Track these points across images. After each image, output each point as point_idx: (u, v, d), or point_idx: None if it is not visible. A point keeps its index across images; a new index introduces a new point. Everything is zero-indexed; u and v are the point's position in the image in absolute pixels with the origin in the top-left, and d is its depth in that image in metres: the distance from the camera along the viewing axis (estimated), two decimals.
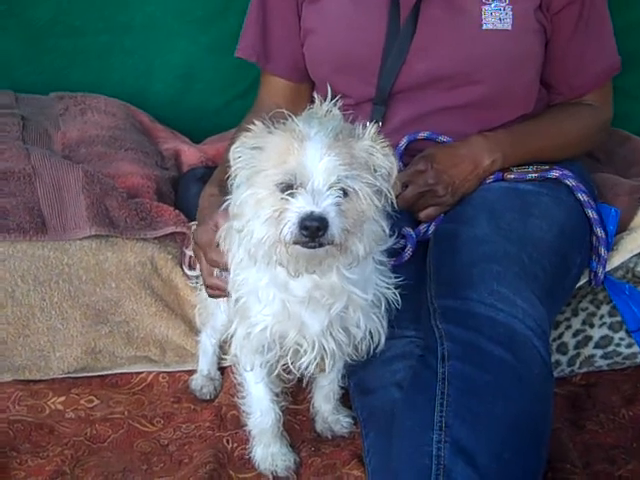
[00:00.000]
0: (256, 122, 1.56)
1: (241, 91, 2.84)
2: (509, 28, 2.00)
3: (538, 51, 2.07)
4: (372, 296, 1.69)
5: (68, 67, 2.85)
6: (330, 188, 1.48)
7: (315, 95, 1.62)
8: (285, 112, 1.57)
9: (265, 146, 1.53)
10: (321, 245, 1.48)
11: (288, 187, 1.48)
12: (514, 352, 1.66)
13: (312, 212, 1.45)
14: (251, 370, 1.80)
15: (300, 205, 1.46)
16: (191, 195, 2.25)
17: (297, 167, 1.48)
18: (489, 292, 1.73)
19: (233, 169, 1.57)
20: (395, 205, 1.61)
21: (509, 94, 2.07)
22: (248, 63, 2.26)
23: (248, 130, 1.57)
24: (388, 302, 1.72)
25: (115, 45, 2.85)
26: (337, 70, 2.10)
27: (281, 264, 1.55)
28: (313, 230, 1.45)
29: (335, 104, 1.59)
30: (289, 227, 1.47)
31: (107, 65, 2.87)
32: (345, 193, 1.49)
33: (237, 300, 1.70)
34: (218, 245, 1.73)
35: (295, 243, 1.48)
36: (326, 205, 1.46)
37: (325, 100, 1.60)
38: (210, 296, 1.87)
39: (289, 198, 1.47)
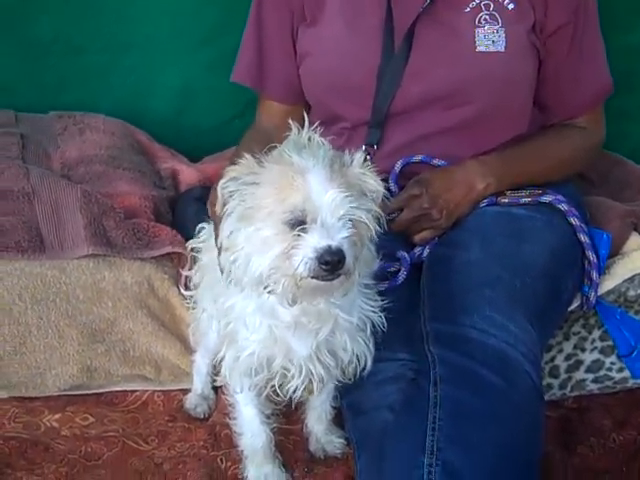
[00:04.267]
0: (246, 155, 1.56)
1: (239, 110, 2.85)
2: (502, 50, 2.02)
3: (531, 73, 2.10)
4: (357, 319, 1.71)
5: (68, 85, 2.86)
6: (340, 220, 1.50)
7: (290, 122, 1.62)
8: (277, 146, 1.58)
9: (261, 181, 1.54)
10: (338, 277, 1.50)
11: (297, 223, 1.49)
12: (506, 377, 1.68)
13: (330, 246, 1.47)
14: (241, 392, 1.82)
15: (316, 240, 1.48)
16: (188, 215, 2.26)
17: (304, 202, 1.49)
18: (482, 317, 1.75)
19: (224, 203, 1.57)
20: (386, 227, 1.63)
21: (503, 115, 2.09)
22: None
23: (240, 158, 1.57)
24: (374, 325, 1.73)
25: (115, 64, 2.86)
26: (333, 93, 2.13)
27: (277, 294, 1.56)
28: (334, 264, 1.47)
29: (315, 131, 1.60)
30: (306, 262, 1.48)
31: (107, 83, 2.88)
32: (352, 223, 1.52)
33: (226, 325, 1.72)
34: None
35: (313, 277, 1.49)
36: (341, 238, 1.48)
37: (302, 127, 1.61)
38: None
39: (301, 234, 1.48)
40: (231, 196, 1.56)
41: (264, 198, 1.52)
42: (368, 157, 1.62)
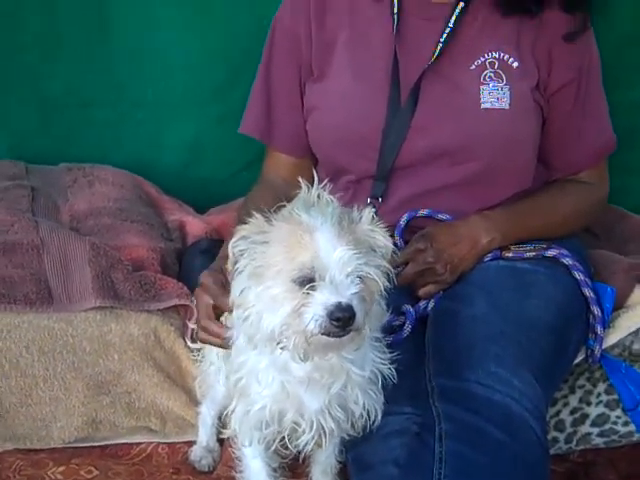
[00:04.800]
0: (255, 214, 1.59)
1: (248, 162, 2.88)
2: (507, 107, 2.05)
3: (535, 130, 2.12)
4: (369, 373, 1.71)
5: (78, 138, 2.90)
6: (348, 277, 1.51)
7: (300, 180, 1.64)
8: (285, 204, 1.60)
9: (270, 240, 1.56)
10: (348, 333, 1.52)
11: (306, 281, 1.50)
12: (511, 433, 1.68)
13: (340, 303, 1.48)
14: (249, 445, 1.81)
15: (325, 297, 1.49)
16: (195, 268, 2.27)
17: (313, 260, 1.50)
18: (487, 373, 1.75)
19: (235, 262, 1.59)
20: (395, 282, 1.64)
21: (507, 171, 2.11)
22: None
23: (249, 218, 1.59)
24: (384, 377, 1.74)
25: (126, 117, 2.91)
26: (339, 147, 2.16)
27: (289, 350, 1.57)
28: (345, 320, 1.48)
29: (324, 188, 1.62)
30: (317, 320, 1.49)
31: (117, 136, 2.93)
32: (360, 279, 1.53)
33: (237, 380, 1.72)
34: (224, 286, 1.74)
35: (323, 334, 1.51)
36: (350, 294, 1.50)
37: (312, 184, 1.63)
38: (201, 340, 1.87)
39: (311, 292, 1.50)
40: (242, 254, 1.58)
41: (273, 257, 1.54)
42: (374, 212, 1.63)
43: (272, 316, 1.54)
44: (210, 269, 1.89)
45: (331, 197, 1.62)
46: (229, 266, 1.61)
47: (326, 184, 1.63)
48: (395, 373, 1.73)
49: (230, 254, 1.60)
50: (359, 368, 1.68)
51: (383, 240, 1.60)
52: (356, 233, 1.56)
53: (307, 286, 1.50)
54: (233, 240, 1.59)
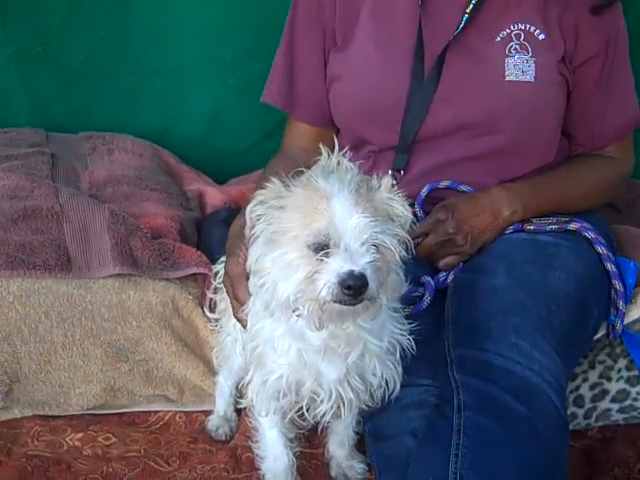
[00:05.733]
0: (273, 180, 1.57)
1: (267, 133, 2.88)
2: (532, 80, 2.03)
3: (560, 103, 2.10)
4: (387, 343, 1.70)
5: (98, 107, 2.91)
6: (363, 245, 1.50)
7: (320, 146, 1.62)
8: (304, 171, 1.59)
9: (287, 205, 1.54)
10: (360, 301, 1.50)
11: (321, 247, 1.49)
12: (530, 405, 1.66)
13: (352, 271, 1.47)
14: (266, 415, 1.81)
15: (338, 265, 1.48)
16: (214, 237, 2.28)
17: (328, 227, 1.49)
18: (507, 344, 1.74)
19: (252, 227, 1.58)
20: (414, 252, 1.62)
21: (530, 144, 2.09)
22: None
23: (267, 183, 1.58)
24: (403, 349, 1.73)
25: (145, 87, 2.91)
26: (361, 117, 2.14)
27: (304, 318, 1.56)
28: (357, 288, 1.47)
29: (344, 155, 1.61)
30: (329, 287, 1.48)
31: (136, 106, 2.93)
32: (376, 248, 1.52)
33: (253, 348, 1.72)
34: (248, 278, 1.72)
35: (335, 302, 1.50)
36: (364, 263, 1.48)
37: (332, 152, 1.62)
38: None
39: (324, 258, 1.49)
40: (258, 220, 1.58)
41: (290, 222, 1.53)
42: (395, 182, 1.62)
43: (287, 282, 1.53)
44: (233, 227, 1.86)
45: (351, 164, 1.60)
46: (246, 231, 1.60)
47: (347, 152, 1.62)
48: (414, 344, 1.72)
49: (247, 219, 1.59)
50: (377, 338, 1.67)
51: (402, 209, 1.58)
52: (374, 201, 1.55)
53: (321, 253, 1.49)
54: (250, 205, 1.58)
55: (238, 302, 1.77)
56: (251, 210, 1.58)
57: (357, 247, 1.49)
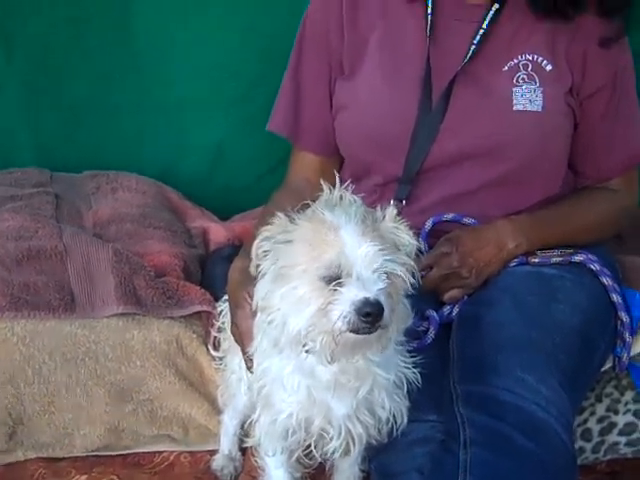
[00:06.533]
0: (279, 214, 1.57)
1: (271, 167, 2.87)
2: (540, 110, 2.02)
3: (567, 133, 2.10)
4: (394, 376, 1.69)
5: (103, 145, 2.91)
6: (374, 273, 1.49)
7: (322, 182, 1.62)
8: (309, 204, 1.58)
9: (294, 239, 1.54)
10: (376, 330, 1.50)
11: (333, 278, 1.49)
12: (537, 440, 1.65)
13: (367, 298, 1.47)
14: (273, 455, 1.79)
15: (353, 294, 1.47)
16: (217, 275, 2.27)
17: (339, 257, 1.48)
18: (513, 379, 1.72)
19: (258, 263, 1.58)
20: (420, 283, 1.62)
21: (536, 175, 2.09)
22: (277, 139, 2.31)
23: (272, 218, 1.57)
24: (409, 382, 1.71)
25: (148, 123, 2.91)
26: (366, 147, 2.13)
27: (315, 353, 1.55)
28: (374, 316, 1.47)
29: (347, 189, 1.61)
30: (345, 316, 1.47)
31: (140, 143, 2.93)
32: (387, 275, 1.51)
33: (260, 388, 1.70)
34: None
35: (351, 331, 1.49)
36: (377, 290, 1.48)
37: (334, 186, 1.62)
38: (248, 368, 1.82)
39: (338, 288, 1.48)
40: (265, 256, 1.57)
41: (298, 256, 1.52)
42: (398, 212, 1.61)
43: (298, 317, 1.51)
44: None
45: (354, 197, 1.60)
46: (252, 269, 1.60)
47: (348, 184, 1.62)
48: (419, 377, 1.70)
49: (253, 256, 1.58)
50: (384, 371, 1.66)
51: (407, 237, 1.58)
52: (380, 230, 1.55)
53: (333, 283, 1.48)
54: (256, 241, 1.57)
55: (249, 362, 1.75)
56: (257, 246, 1.57)
57: (369, 275, 1.49)
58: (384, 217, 1.58)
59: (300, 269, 1.51)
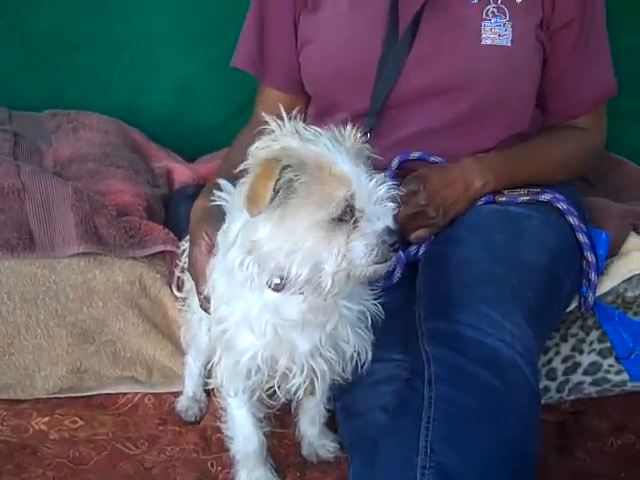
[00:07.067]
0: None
1: (237, 109, 2.81)
2: (508, 44, 1.99)
3: (536, 68, 2.07)
4: (357, 308, 1.67)
5: (65, 83, 2.85)
6: (384, 202, 1.48)
7: (264, 115, 1.58)
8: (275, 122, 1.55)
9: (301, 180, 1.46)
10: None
11: (347, 215, 1.46)
12: (501, 376, 1.64)
13: (388, 227, 1.47)
14: (234, 395, 1.78)
15: (375, 226, 1.46)
16: (181, 214, 2.22)
17: (351, 196, 1.45)
18: (477, 315, 1.71)
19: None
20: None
21: (503, 112, 2.06)
22: (246, 79, 2.25)
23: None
24: (372, 316, 1.70)
25: (112, 62, 2.85)
26: (332, 80, 2.08)
27: (316, 291, 1.51)
28: (398, 242, 1.47)
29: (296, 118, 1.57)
30: (372, 249, 1.46)
31: (104, 82, 2.86)
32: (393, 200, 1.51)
33: (221, 332, 1.66)
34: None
35: (378, 263, 1.48)
36: (393, 217, 1.49)
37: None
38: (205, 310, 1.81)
39: (358, 224, 1.46)
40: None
41: (307, 196, 1.46)
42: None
43: (317, 260, 1.47)
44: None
45: (319, 129, 1.55)
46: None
47: (296, 116, 1.58)
48: (382, 311, 1.69)
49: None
50: (349, 302, 1.64)
51: (377, 155, 1.57)
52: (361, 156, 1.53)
53: (352, 221, 1.46)
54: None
55: (204, 304, 1.74)
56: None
57: (381, 204, 1.48)
58: (350, 137, 1.55)
59: (306, 211, 1.46)
